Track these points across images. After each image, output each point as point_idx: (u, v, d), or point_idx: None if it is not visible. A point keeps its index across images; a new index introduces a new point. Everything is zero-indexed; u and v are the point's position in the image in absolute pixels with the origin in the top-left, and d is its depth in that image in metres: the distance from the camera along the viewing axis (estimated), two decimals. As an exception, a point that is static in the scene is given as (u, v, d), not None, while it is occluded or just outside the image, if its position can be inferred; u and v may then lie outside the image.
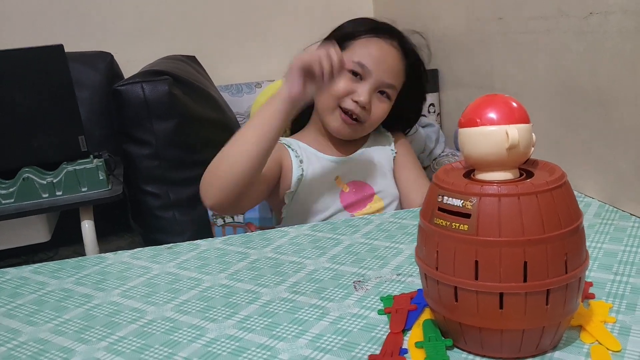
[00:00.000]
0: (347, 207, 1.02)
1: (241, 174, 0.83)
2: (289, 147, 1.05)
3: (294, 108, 0.87)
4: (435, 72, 1.59)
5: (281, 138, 1.08)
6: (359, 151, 1.09)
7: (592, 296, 0.56)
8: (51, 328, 0.59)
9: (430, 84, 1.59)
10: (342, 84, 1.00)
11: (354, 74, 1.01)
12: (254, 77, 1.84)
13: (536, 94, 1.09)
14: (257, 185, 0.91)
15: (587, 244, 0.69)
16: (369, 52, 1.02)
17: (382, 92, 1.03)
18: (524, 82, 1.15)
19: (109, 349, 0.54)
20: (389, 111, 1.06)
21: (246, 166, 0.83)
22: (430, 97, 1.59)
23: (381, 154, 1.09)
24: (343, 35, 1.05)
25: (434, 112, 1.58)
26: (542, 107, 1.07)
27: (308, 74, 0.84)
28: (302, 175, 1.02)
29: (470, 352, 0.49)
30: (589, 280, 0.60)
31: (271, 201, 1.06)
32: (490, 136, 0.47)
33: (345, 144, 1.09)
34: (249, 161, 0.83)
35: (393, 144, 1.12)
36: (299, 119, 1.13)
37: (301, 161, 1.03)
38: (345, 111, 1.01)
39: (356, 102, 1.00)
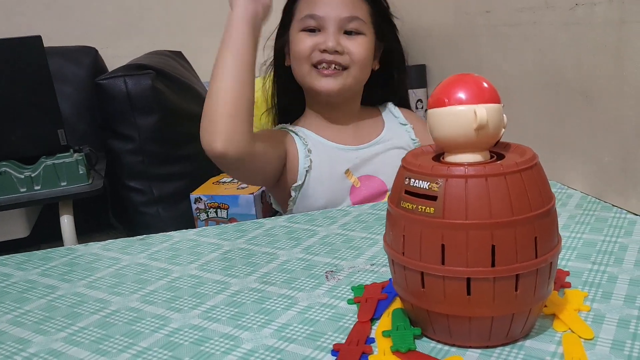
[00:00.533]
0: (357, 205, 0.93)
1: (237, 99, 0.81)
2: (296, 133, 0.97)
3: (256, 14, 0.86)
4: (422, 67, 1.57)
5: (285, 126, 1.01)
6: (374, 142, 0.99)
7: (568, 285, 0.55)
8: (10, 319, 0.57)
9: (418, 80, 1.58)
10: (302, 43, 0.93)
11: (310, 30, 0.94)
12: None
13: (523, 87, 1.08)
14: (265, 146, 0.87)
15: (567, 234, 0.67)
16: (314, 1, 0.94)
17: (349, 33, 0.94)
18: (511, 75, 1.14)
19: (67, 340, 0.52)
20: (375, 52, 0.98)
21: (238, 87, 0.81)
22: (419, 93, 1.57)
23: (400, 145, 1.00)
24: (288, 5, 0.99)
25: (422, 107, 1.56)
26: (528, 99, 1.06)
27: None
28: (309, 166, 0.94)
29: (439, 341, 0.47)
30: (566, 269, 0.58)
31: (277, 193, 1.00)
32: (459, 116, 0.45)
33: (357, 133, 1.00)
34: (237, 82, 0.82)
35: (412, 131, 1.02)
36: (291, 110, 1.04)
37: (309, 150, 0.94)
38: (320, 64, 0.93)
39: (324, 50, 0.92)
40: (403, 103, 1.09)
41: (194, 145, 1.49)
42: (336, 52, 0.92)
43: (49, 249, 0.76)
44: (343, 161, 0.96)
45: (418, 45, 1.57)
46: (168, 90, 1.46)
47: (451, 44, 1.47)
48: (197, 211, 1.28)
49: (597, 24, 0.89)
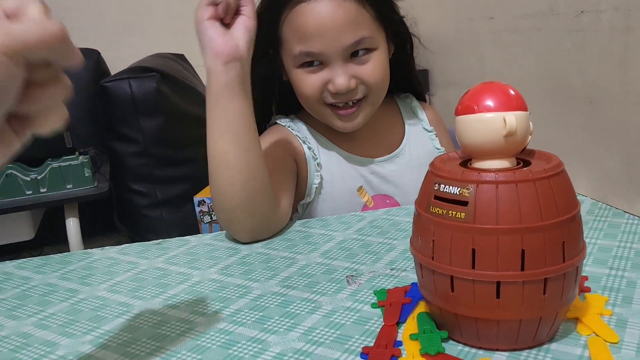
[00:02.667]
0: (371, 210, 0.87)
1: (253, 189, 0.71)
2: (303, 142, 0.86)
3: (240, 67, 0.68)
4: (425, 72, 1.59)
5: (288, 124, 0.88)
6: (394, 154, 0.90)
7: (588, 289, 0.56)
8: (34, 322, 0.57)
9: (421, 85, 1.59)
10: (306, 84, 0.81)
11: (308, 64, 0.80)
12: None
13: (527, 93, 1.09)
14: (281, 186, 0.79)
15: (581, 238, 0.68)
16: (305, 30, 0.77)
17: (355, 54, 0.80)
18: (514, 81, 1.15)
19: (94, 343, 0.53)
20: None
21: (250, 176, 0.70)
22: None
23: (423, 162, 0.87)
24: (267, 26, 0.80)
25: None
26: (532, 106, 1.07)
27: (216, 18, 0.68)
28: (320, 183, 0.85)
29: (466, 344, 0.48)
30: (584, 274, 0.59)
31: None
32: (488, 123, 0.46)
33: (375, 139, 0.89)
34: (248, 171, 0.70)
35: (437, 140, 0.92)
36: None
37: (319, 165, 0.85)
38: (336, 106, 0.82)
39: (335, 92, 0.80)
40: (418, 91, 0.98)
41: (198, 148, 1.50)
42: (350, 90, 0.80)
43: (66, 253, 0.76)
44: (357, 175, 0.88)
45: (421, 51, 1.59)
46: (172, 93, 1.46)
47: (454, 50, 1.48)
48: (201, 214, 1.29)
49: (603, 31, 0.91)
